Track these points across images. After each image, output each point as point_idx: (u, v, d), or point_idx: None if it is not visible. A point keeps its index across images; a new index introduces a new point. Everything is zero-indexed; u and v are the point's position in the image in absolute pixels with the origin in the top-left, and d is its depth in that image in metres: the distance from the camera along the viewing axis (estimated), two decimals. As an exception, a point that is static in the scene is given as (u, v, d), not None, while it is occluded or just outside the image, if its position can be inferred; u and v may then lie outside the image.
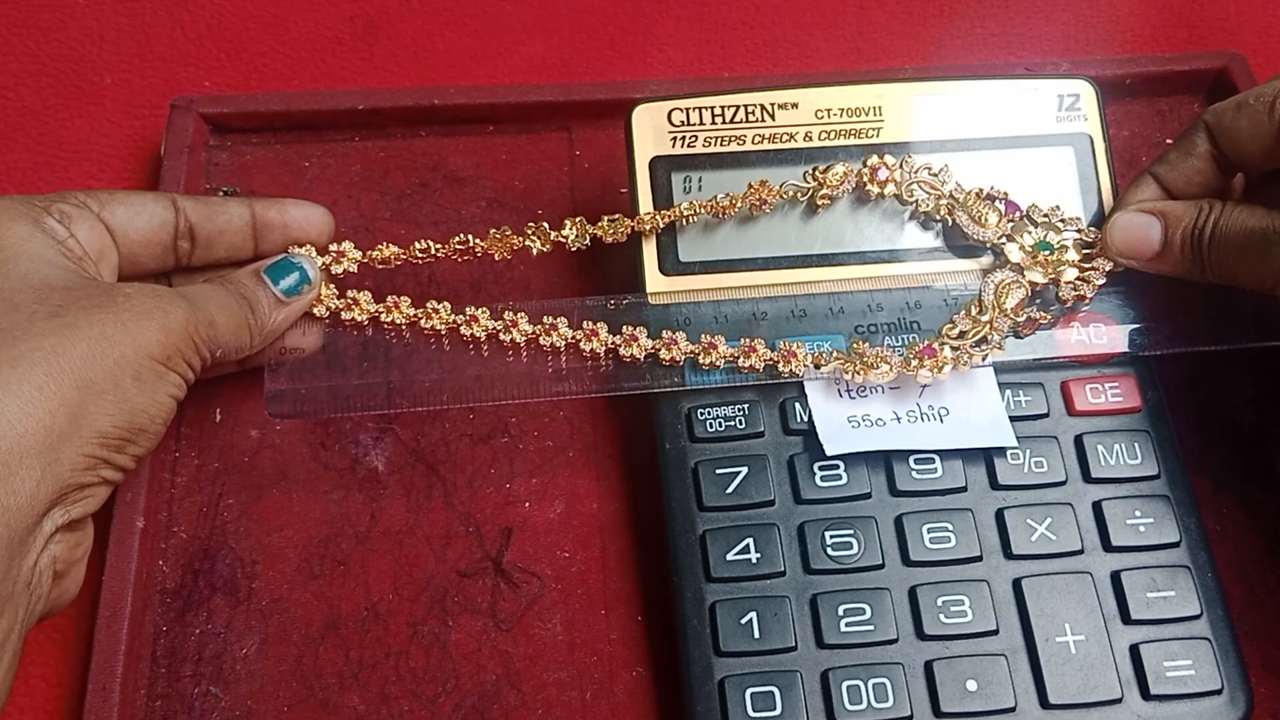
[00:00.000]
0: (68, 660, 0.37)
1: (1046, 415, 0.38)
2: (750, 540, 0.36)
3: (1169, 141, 0.48)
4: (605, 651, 0.38)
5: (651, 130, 0.40)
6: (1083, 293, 0.39)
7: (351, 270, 0.40)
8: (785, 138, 0.40)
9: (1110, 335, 0.39)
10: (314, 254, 0.39)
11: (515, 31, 0.51)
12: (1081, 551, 0.36)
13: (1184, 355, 0.39)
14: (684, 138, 0.40)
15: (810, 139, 0.40)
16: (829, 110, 0.40)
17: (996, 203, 0.40)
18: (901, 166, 0.39)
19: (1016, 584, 0.36)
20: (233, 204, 0.39)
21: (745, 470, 0.37)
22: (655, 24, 0.52)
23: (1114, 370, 0.39)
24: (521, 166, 0.47)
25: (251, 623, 0.38)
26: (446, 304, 0.39)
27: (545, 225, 0.40)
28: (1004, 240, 0.39)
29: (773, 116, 0.40)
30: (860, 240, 0.40)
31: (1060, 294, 0.39)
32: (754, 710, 0.34)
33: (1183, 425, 0.40)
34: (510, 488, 0.40)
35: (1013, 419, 0.38)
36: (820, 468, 0.37)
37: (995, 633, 0.35)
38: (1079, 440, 0.38)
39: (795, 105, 0.40)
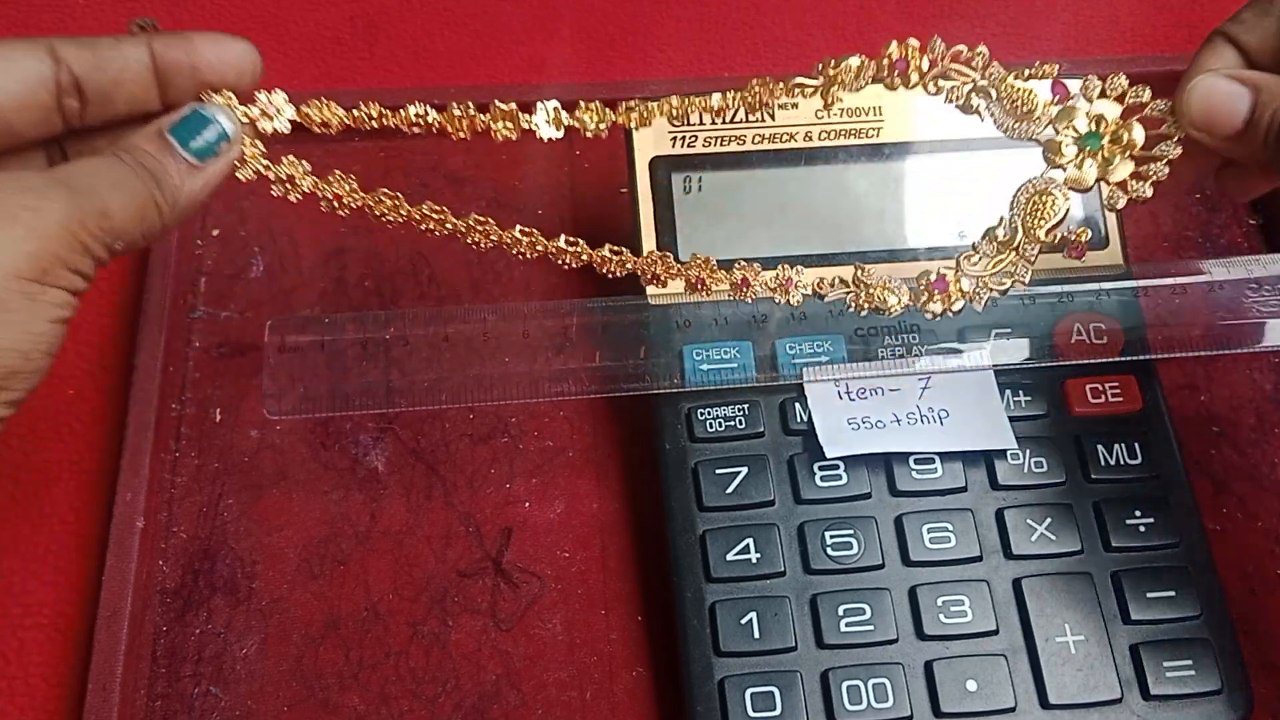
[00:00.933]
0: (68, 660, 0.37)
1: (1046, 415, 0.38)
2: (750, 540, 0.36)
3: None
4: (605, 651, 0.38)
5: (651, 130, 0.40)
6: (1138, 193, 0.33)
7: (283, 130, 0.33)
8: (785, 138, 0.40)
9: (1110, 337, 0.39)
10: (234, 101, 0.32)
11: (515, 31, 0.51)
12: (1081, 551, 0.36)
13: (1184, 355, 0.39)
14: (684, 138, 0.40)
15: (810, 139, 0.40)
16: (829, 110, 0.40)
17: (1039, 81, 0.33)
18: (930, 51, 0.34)
19: (1016, 584, 0.36)
20: (127, 45, 0.31)
21: (745, 470, 0.37)
22: (655, 24, 0.52)
23: (1114, 370, 0.39)
24: (521, 166, 0.47)
25: (251, 623, 0.38)
26: (400, 194, 0.34)
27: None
28: (1051, 131, 0.33)
29: (773, 116, 0.40)
30: (861, 240, 0.40)
31: (1108, 199, 0.33)
32: (754, 710, 0.34)
33: (1183, 425, 0.40)
34: (510, 488, 0.40)
35: (1012, 419, 0.38)
36: (820, 468, 0.37)
37: (995, 633, 0.35)
38: (1079, 440, 0.38)
39: (795, 105, 0.40)
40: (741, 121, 0.40)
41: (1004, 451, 0.37)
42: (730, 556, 0.36)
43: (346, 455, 0.40)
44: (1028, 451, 0.38)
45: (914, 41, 0.34)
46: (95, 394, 0.42)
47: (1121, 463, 0.38)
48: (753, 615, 0.35)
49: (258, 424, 0.41)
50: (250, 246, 0.44)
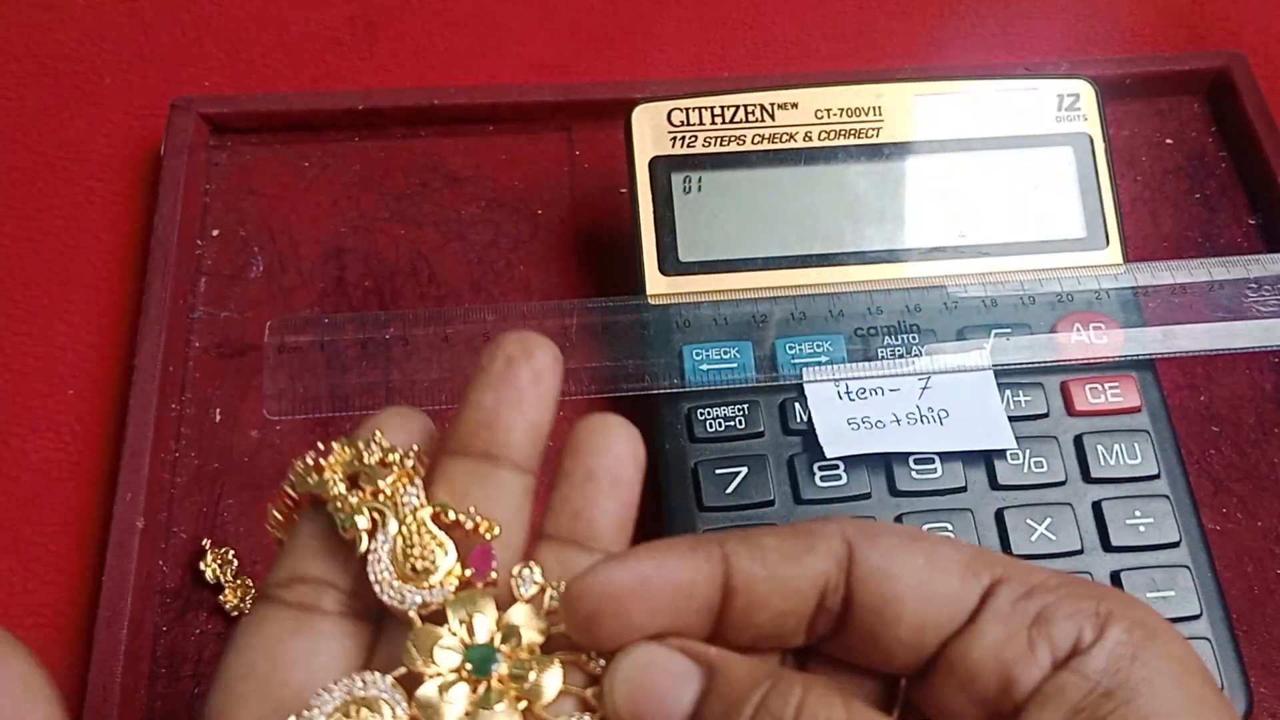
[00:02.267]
0: (68, 660, 0.37)
1: (1046, 415, 0.38)
2: (750, 540, 0.36)
3: (1169, 141, 0.48)
4: (605, 651, 0.37)
5: (651, 130, 0.40)
6: None
7: None
8: (785, 138, 0.40)
9: (1110, 337, 0.39)
10: None
11: (515, 31, 0.51)
12: (1081, 551, 0.36)
13: (1184, 355, 0.39)
14: (684, 138, 0.40)
15: (810, 139, 0.40)
16: (829, 110, 0.40)
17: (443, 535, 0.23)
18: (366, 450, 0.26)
19: (1016, 584, 0.36)
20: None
21: (745, 470, 0.37)
22: (655, 24, 0.52)
23: (1114, 370, 0.39)
24: (521, 166, 0.47)
25: (251, 623, 0.37)
26: None
27: None
28: (432, 608, 0.22)
29: (773, 116, 0.40)
30: (861, 240, 0.40)
31: None
32: (754, 710, 0.34)
33: (1183, 425, 0.40)
34: (510, 488, 0.40)
35: (1012, 419, 0.38)
36: (820, 468, 0.37)
37: (995, 633, 0.35)
38: (1079, 440, 0.38)
39: (795, 105, 0.40)
40: (741, 121, 0.40)
41: (1004, 451, 0.37)
42: (730, 556, 0.36)
43: (346, 455, 0.40)
44: (1028, 451, 0.38)
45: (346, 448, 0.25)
46: (95, 394, 0.42)
47: (1121, 463, 0.38)
48: (753, 615, 0.35)
49: (258, 424, 0.41)
50: (250, 246, 0.44)
